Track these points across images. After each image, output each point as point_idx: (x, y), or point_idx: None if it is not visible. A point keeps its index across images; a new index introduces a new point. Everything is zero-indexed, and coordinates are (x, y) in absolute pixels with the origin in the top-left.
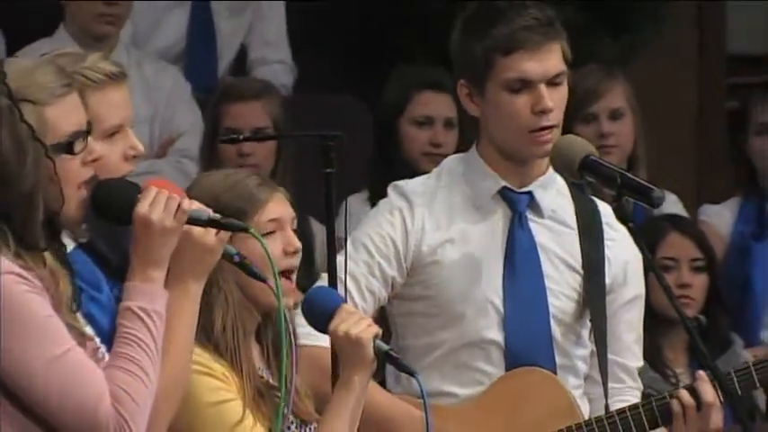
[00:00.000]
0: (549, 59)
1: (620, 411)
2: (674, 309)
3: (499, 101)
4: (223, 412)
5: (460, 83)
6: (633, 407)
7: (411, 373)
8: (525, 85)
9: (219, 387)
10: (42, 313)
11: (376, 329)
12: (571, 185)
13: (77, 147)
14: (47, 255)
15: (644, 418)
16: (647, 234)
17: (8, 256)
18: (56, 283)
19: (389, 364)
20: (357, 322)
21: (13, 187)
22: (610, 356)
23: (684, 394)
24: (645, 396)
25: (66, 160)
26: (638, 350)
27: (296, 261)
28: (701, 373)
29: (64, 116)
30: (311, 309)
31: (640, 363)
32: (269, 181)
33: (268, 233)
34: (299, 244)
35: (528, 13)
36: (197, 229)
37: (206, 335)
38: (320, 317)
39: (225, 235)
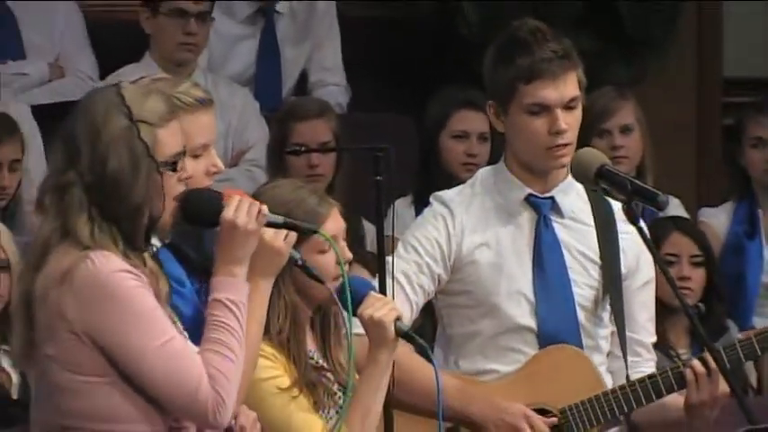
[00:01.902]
0: (565, 87)
1: (641, 380)
2: (677, 298)
3: (521, 122)
4: (271, 385)
5: (489, 103)
6: (651, 376)
7: (424, 349)
8: (543, 108)
9: (268, 366)
10: (150, 305)
11: (397, 313)
12: (588, 190)
13: (179, 165)
14: (146, 256)
15: (661, 385)
16: (653, 233)
17: (118, 255)
18: (156, 281)
19: (407, 341)
20: (381, 307)
21: (126, 198)
22: (627, 334)
23: (697, 363)
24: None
25: (169, 176)
26: (651, 327)
27: (347, 269)
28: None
29: (171, 138)
30: (343, 296)
31: (654, 338)
32: (326, 197)
33: (327, 250)
34: (350, 255)
35: (548, 46)
36: (268, 234)
37: (265, 329)
38: (352, 302)
39: (291, 240)
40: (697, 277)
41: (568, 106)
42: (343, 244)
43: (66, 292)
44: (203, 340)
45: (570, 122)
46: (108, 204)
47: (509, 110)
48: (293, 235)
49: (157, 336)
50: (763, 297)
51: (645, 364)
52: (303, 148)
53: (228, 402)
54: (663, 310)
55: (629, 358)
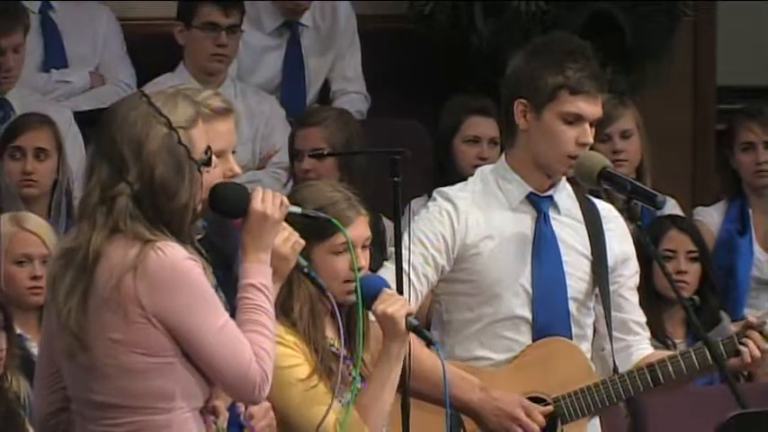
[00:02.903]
0: (598, 105)
1: (630, 372)
2: (674, 291)
3: (553, 126)
4: (291, 374)
5: (519, 100)
6: (640, 369)
7: (432, 343)
8: (577, 119)
9: (289, 354)
10: (211, 291)
11: (408, 308)
12: (575, 190)
13: (213, 160)
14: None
15: (649, 378)
16: (652, 231)
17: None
18: (205, 270)
19: (417, 335)
20: (393, 303)
21: (174, 198)
22: (622, 316)
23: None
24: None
25: (204, 172)
26: (640, 309)
27: (360, 275)
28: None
29: (200, 136)
30: (359, 292)
31: (644, 317)
32: (356, 205)
33: (342, 252)
34: (364, 263)
35: (593, 66)
36: (276, 241)
37: (285, 314)
38: (367, 298)
39: (298, 247)
40: (693, 271)
41: (593, 123)
42: (360, 251)
43: (141, 278)
44: (242, 322)
45: (591, 138)
46: (158, 207)
47: (543, 112)
48: (301, 242)
49: (218, 318)
50: (753, 289)
51: (645, 341)
52: (326, 152)
53: (270, 378)
54: (660, 302)
55: (631, 337)
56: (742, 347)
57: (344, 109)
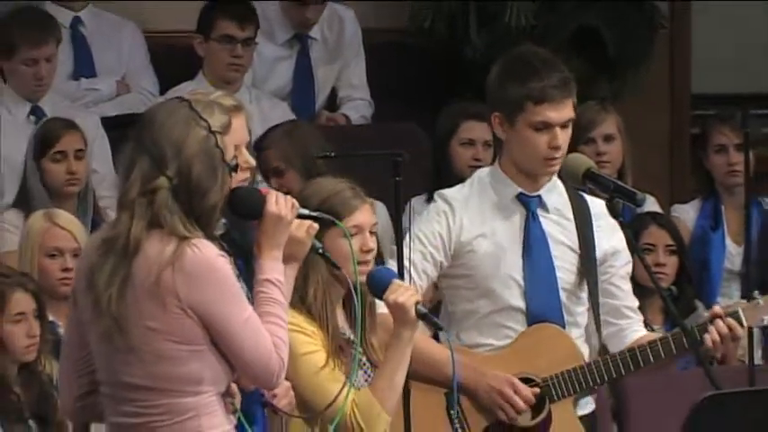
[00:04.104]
0: (565, 110)
1: (613, 356)
2: (653, 282)
3: (525, 135)
4: (310, 359)
5: (495, 114)
6: (622, 353)
7: (440, 329)
8: (546, 126)
9: (308, 341)
10: (237, 285)
11: (417, 297)
12: (568, 188)
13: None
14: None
15: (629, 362)
16: (633, 226)
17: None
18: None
19: (426, 322)
20: (403, 292)
21: (206, 196)
22: (615, 303)
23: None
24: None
25: (233, 176)
26: (632, 295)
27: (369, 257)
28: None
29: (230, 143)
30: (372, 283)
31: (637, 302)
32: (361, 194)
33: (352, 234)
34: (372, 245)
35: (555, 75)
36: (292, 227)
37: (302, 301)
38: (378, 289)
39: (313, 231)
40: (671, 264)
41: (564, 125)
42: (368, 235)
43: (178, 272)
44: (260, 314)
45: (564, 139)
46: (191, 203)
47: (515, 123)
48: (315, 226)
49: (244, 311)
50: (725, 280)
51: (637, 324)
52: (333, 154)
53: (286, 363)
54: (640, 292)
55: (623, 322)
56: (705, 335)
57: (291, 121)
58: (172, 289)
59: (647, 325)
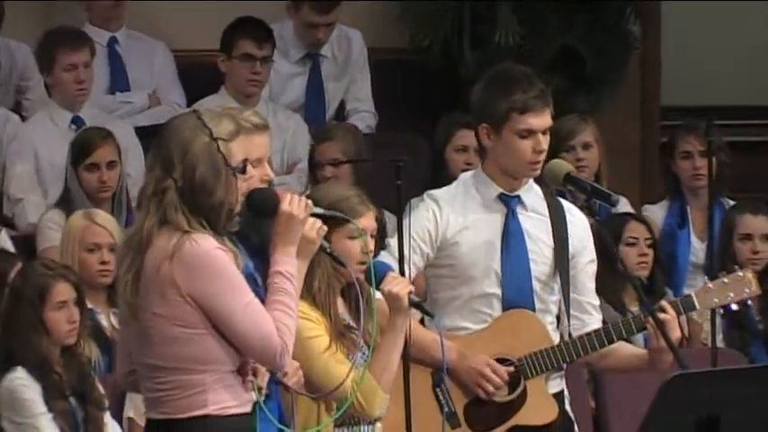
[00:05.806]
0: (546, 118)
1: (580, 336)
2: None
3: (512, 142)
4: (315, 342)
5: (482, 125)
6: (588, 333)
7: (430, 315)
8: (530, 133)
9: (313, 327)
10: (237, 275)
11: (410, 288)
12: (544, 191)
13: (248, 170)
14: (225, 239)
15: (595, 341)
16: (612, 225)
17: (211, 236)
18: (235, 257)
19: (417, 310)
20: (397, 284)
21: (211, 196)
22: (579, 297)
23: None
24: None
25: (241, 178)
26: (594, 294)
27: (368, 259)
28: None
29: (239, 149)
30: (370, 276)
31: (598, 301)
32: (366, 201)
33: (355, 237)
34: (372, 248)
35: (536, 87)
36: (305, 227)
37: (308, 291)
38: (375, 280)
39: (322, 231)
40: (650, 255)
41: (545, 131)
42: (369, 239)
43: (177, 264)
44: (269, 302)
45: (546, 144)
46: (197, 202)
47: (501, 132)
48: (324, 228)
49: (243, 298)
50: (691, 272)
51: (597, 323)
52: (338, 161)
53: (289, 348)
54: (618, 280)
55: (584, 316)
56: (647, 324)
57: (353, 124)
58: (171, 279)
59: (625, 309)
